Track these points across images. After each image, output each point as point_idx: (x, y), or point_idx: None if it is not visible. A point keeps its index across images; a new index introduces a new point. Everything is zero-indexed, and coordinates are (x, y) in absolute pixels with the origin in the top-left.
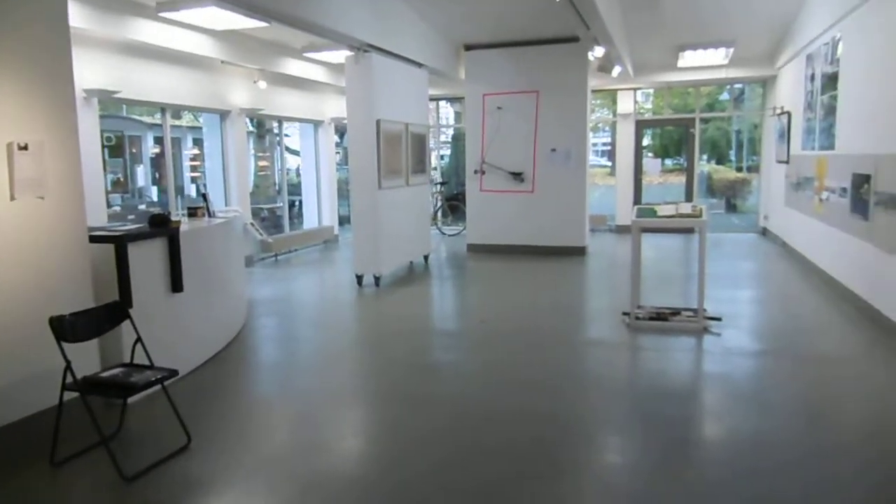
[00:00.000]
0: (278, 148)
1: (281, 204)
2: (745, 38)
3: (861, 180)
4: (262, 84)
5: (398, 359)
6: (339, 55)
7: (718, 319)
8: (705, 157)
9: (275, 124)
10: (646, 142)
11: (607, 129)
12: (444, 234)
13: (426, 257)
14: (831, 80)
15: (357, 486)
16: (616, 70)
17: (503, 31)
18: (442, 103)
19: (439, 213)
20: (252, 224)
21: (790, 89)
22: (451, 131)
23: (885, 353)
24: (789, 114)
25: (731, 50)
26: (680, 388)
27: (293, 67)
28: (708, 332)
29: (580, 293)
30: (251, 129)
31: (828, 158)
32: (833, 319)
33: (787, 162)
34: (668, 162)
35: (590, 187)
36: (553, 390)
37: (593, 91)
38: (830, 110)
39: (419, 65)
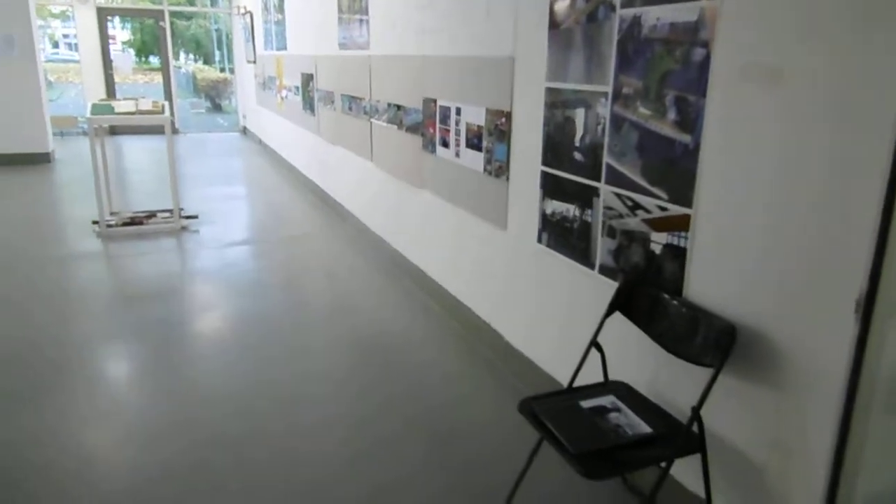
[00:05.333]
0: None
1: None
2: None
3: (307, 79)
4: None
5: None
6: None
7: (195, 217)
8: (192, 55)
9: None
10: (126, 37)
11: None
12: None
13: None
14: None
15: None
16: None
17: None
18: None
19: None
20: None
21: None
22: None
23: (333, 227)
24: (251, 14)
25: None
26: (159, 289)
27: None
28: (186, 230)
29: (43, 206)
30: None
31: (284, 59)
32: (298, 205)
33: (254, 62)
34: (154, 59)
35: (62, 85)
36: (22, 313)
37: None
38: (283, 12)
39: None
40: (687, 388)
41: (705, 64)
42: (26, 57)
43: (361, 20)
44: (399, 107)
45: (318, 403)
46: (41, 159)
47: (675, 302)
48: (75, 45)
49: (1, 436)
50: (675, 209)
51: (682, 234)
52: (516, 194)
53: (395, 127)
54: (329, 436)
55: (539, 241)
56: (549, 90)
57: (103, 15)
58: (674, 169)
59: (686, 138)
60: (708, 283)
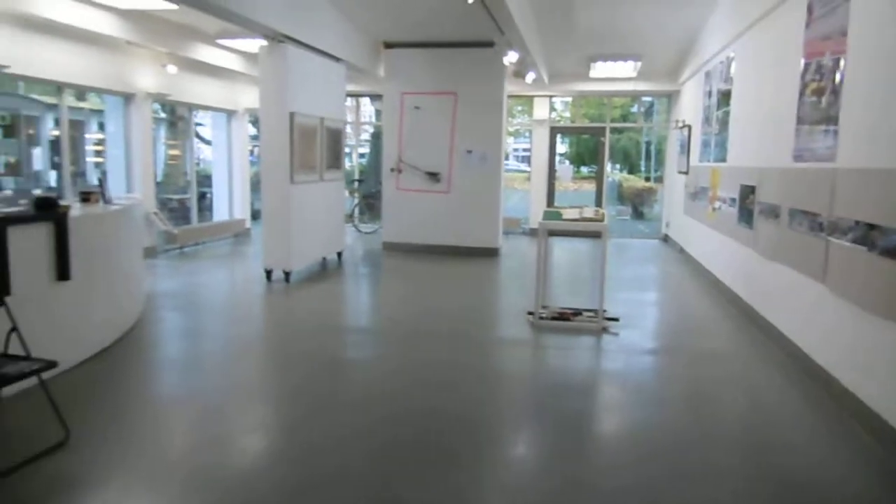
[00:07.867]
0: (190, 137)
1: (190, 195)
2: (651, 53)
3: (747, 191)
4: (172, 69)
5: (304, 355)
6: (254, 44)
7: (616, 320)
8: (618, 166)
9: (187, 112)
10: (563, 149)
11: (528, 134)
12: (360, 231)
13: (339, 254)
14: (725, 97)
15: (246, 487)
16: (530, 76)
17: (422, 31)
18: (364, 101)
19: (356, 211)
20: (156, 213)
21: (691, 104)
22: (371, 129)
23: (760, 350)
24: (690, 127)
25: (639, 63)
26: (578, 384)
27: (205, 53)
28: (607, 331)
29: (490, 293)
30: (162, 115)
31: (721, 170)
32: (719, 320)
33: (686, 173)
34: (584, 169)
35: (508, 191)
36: (458, 387)
37: (511, 96)
38: (724, 125)
39: (337, 59)
40: None
41: None
42: (493, 170)
43: (827, 130)
44: (872, 226)
45: None
46: (492, 253)
47: None
48: (522, 157)
49: (431, 498)
50: None
51: None
52: None
53: (865, 248)
54: None
55: None
56: None
57: (554, 133)
58: None
59: None
60: None
